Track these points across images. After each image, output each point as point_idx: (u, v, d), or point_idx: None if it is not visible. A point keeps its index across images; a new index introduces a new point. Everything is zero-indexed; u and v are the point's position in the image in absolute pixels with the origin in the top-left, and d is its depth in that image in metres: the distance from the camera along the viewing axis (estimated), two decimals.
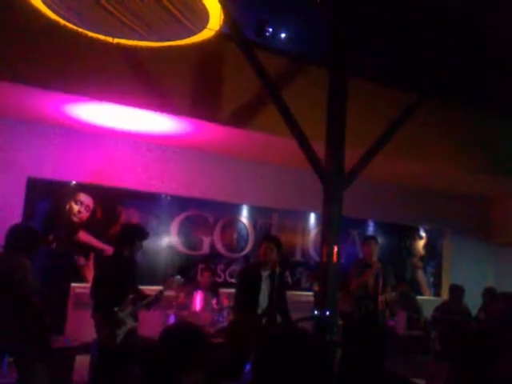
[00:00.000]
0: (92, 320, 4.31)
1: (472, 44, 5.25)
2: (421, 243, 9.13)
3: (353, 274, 5.67)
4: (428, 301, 8.28)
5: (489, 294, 6.79)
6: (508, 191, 8.52)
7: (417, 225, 9.02)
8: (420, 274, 9.05)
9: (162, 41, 3.24)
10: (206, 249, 7.24)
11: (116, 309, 4.20)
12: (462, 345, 2.43)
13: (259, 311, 4.89)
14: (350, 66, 5.12)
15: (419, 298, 7.98)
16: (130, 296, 4.34)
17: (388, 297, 5.66)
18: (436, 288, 9.20)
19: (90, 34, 3.12)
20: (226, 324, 5.75)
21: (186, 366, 2.04)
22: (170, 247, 7.00)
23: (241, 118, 5.77)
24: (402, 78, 5.96)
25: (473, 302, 7.04)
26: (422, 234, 9.15)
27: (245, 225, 7.55)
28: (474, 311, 6.95)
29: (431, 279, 9.20)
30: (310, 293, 6.96)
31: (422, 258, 9.10)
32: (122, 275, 4.33)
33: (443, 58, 5.30)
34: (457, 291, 6.82)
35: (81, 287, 6.20)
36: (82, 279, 6.35)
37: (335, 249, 4.86)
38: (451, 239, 9.20)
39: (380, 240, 8.20)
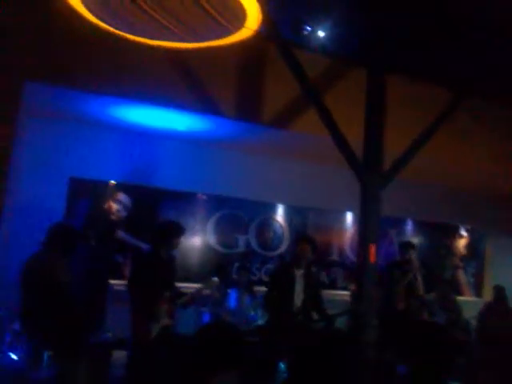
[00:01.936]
0: (130, 315, 4.38)
1: None
2: (462, 242, 8.88)
3: (392, 275, 5.61)
4: (468, 302, 8.05)
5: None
6: None
7: (457, 224, 8.77)
8: (460, 274, 8.81)
9: (200, 41, 3.26)
10: (241, 247, 7.27)
11: (152, 305, 4.25)
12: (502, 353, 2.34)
13: (294, 310, 4.89)
14: (388, 63, 5.03)
15: (459, 298, 7.76)
16: (167, 293, 4.38)
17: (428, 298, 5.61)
18: (477, 289, 8.93)
19: (132, 37, 3.17)
20: (260, 322, 5.76)
21: (221, 364, 2.04)
22: (206, 245, 7.05)
23: (280, 117, 5.77)
24: (443, 75, 5.80)
25: None
26: (463, 233, 8.89)
27: (280, 224, 7.53)
28: None
29: (472, 279, 8.93)
30: (347, 292, 6.90)
31: (462, 258, 8.85)
32: (158, 272, 4.35)
33: (485, 54, 5.12)
34: (501, 292, 6.59)
35: (119, 284, 6.33)
36: (121, 276, 6.48)
37: (373, 248, 4.79)
38: (495, 239, 8.90)
39: (419, 239, 8.09)
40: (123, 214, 6.56)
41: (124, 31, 3.11)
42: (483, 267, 8.99)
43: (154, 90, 5.15)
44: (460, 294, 8.46)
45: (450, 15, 4.62)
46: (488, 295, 7.80)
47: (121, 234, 6.56)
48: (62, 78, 4.84)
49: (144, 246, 6.45)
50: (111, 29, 3.09)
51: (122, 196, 6.55)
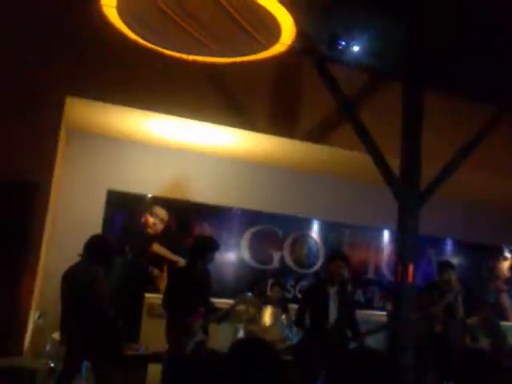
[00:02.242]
0: (165, 329, 4.39)
1: None
2: (506, 264, 8.51)
3: (431, 296, 5.42)
4: None
5: None
6: None
7: (501, 244, 8.43)
8: (505, 298, 8.42)
9: (234, 56, 3.29)
10: (276, 263, 7.21)
11: (187, 320, 4.25)
12: None
13: (328, 328, 4.79)
14: (425, 79, 4.93)
15: (503, 323, 7.41)
16: (202, 308, 4.38)
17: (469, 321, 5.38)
18: None
19: (166, 51, 3.23)
20: (295, 341, 5.66)
21: (254, 381, 2.00)
22: (241, 261, 7.03)
23: (316, 133, 5.75)
24: (481, 91, 5.64)
25: None
26: (507, 254, 8.53)
27: (315, 240, 7.44)
28: None
29: None
30: (383, 312, 6.70)
31: (507, 281, 8.48)
32: (193, 287, 4.37)
33: None
34: None
35: (154, 297, 6.37)
36: (156, 289, 6.52)
37: (410, 268, 4.65)
38: None
39: (459, 260, 7.81)
40: (159, 227, 6.63)
41: (159, 46, 3.17)
42: None
43: (191, 104, 5.23)
44: (504, 318, 8.08)
45: (488, 27, 4.51)
46: None
47: (156, 247, 6.62)
48: (101, 93, 4.97)
49: (179, 259, 6.49)
50: (147, 44, 3.15)
51: (158, 210, 6.63)
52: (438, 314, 5.51)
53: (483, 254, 8.33)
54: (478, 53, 4.92)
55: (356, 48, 4.75)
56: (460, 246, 8.12)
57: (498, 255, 8.48)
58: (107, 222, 6.32)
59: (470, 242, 8.11)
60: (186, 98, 5.21)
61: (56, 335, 4.66)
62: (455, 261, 7.52)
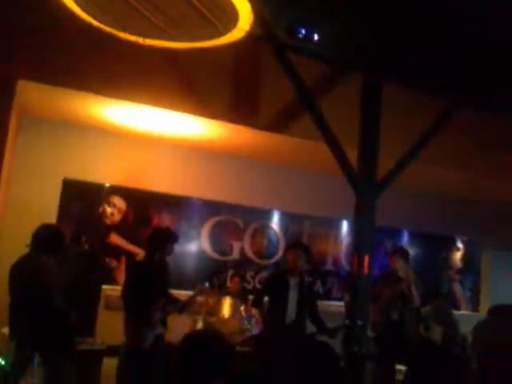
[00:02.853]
0: (124, 322, 4.31)
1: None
2: (458, 255, 8.81)
3: (381, 286, 5.48)
4: (465, 316, 7.96)
5: None
6: None
7: (454, 235, 8.71)
8: (457, 288, 8.72)
9: (192, 41, 3.22)
10: (236, 254, 7.19)
11: (147, 313, 4.19)
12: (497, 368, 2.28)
13: (288, 320, 4.80)
14: (385, 72, 4.99)
15: (456, 312, 7.67)
16: (162, 300, 4.33)
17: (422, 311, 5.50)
18: (473, 303, 8.84)
19: (122, 34, 3.12)
20: (254, 332, 5.67)
21: (206, 374, 1.98)
22: (201, 252, 6.98)
23: (276, 122, 5.72)
24: (440, 85, 5.76)
25: None
26: (460, 245, 8.82)
27: (275, 231, 7.46)
28: None
29: (468, 293, 8.84)
30: (341, 303, 6.80)
31: (459, 271, 8.78)
32: (152, 279, 4.32)
33: (482, 64, 5.09)
34: (498, 310, 6.48)
35: (111, 289, 6.24)
36: (113, 281, 6.39)
37: (366, 259, 4.72)
38: (491, 251, 8.83)
39: (415, 251, 8.00)
40: (117, 217, 6.49)
41: (115, 29, 3.06)
42: (480, 281, 8.91)
43: (149, 92, 5.10)
44: (457, 308, 8.37)
45: (447, 21, 4.59)
46: (484, 310, 7.70)
47: (114, 237, 6.48)
48: (56, 78, 4.79)
49: (137, 250, 6.38)
50: (102, 26, 3.04)
51: (116, 199, 6.49)
52: (393, 303, 5.60)
53: (437, 245, 8.59)
54: (436, 47, 5.00)
55: (316, 37, 4.72)
56: (415, 237, 8.33)
57: (451, 246, 8.76)
58: (63, 211, 6.13)
59: (425, 233, 8.34)
60: (144, 85, 5.08)
61: (5, 330, 4.49)
62: (411, 251, 7.70)
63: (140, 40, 3.12)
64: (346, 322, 5.05)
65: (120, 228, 6.51)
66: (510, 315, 6.20)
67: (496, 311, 6.47)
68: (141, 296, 4.21)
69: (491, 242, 8.77)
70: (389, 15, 4.39)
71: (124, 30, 3.05)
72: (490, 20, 4.17)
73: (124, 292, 4.40)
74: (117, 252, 6.47)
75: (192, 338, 2.13)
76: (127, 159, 6.44)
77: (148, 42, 3.13)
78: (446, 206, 8.09)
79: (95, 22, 2.97)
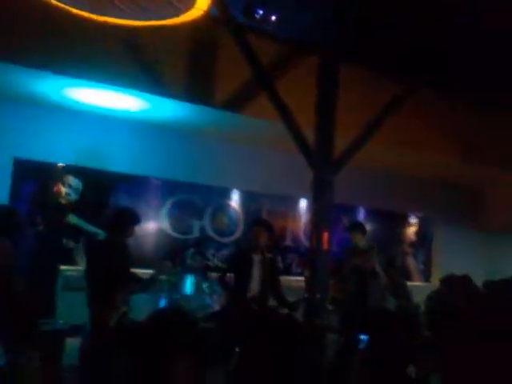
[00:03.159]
0: (87, 303, 4.30)
1: (468, 34, 5.18)
2: (411, 230, 9.17)
3: (346, 260, 5.64)
4: (418, 287, 8.33)
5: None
6: (498, 180, 8.55)
7: (407, 212, 9.04)
8: (410, 261, 9.11)
9: (149, 19, 3.15)
10: (196, 233, 7.21)
11: (110, 293, 4.18)
12: (448, 335, 2.43)
13: (251, 295, 4.90)
14: (341, 52, 5.06)
15: (409, 283, 8.02)
16: (123, 280, 4.33)
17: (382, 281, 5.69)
18: (426, 274, 9.26)
19: (76, 10, 3.02)
20: (216, 308, 5.75)
21: (172, 350, 2.01)
22: (160, 231, 6.96)
23: (234, 102, 5.71)
24: (396, 66, 5.89)
25: None
26: (413, 220, 9.18)
27: (235, 209, 7.51)
28: None
29: (421, 266, 9.25)
30: (301, 278, 6.97)
31: (412, 245, 9.15)
32: (116, 259, 4.32)
33: (436, 48, 5.25)
34: (448, 280, 6.82)
35: (70, 270, 6.15)
36: (72, 262, 6.30)
37: (325, 235, 4.85)
38: (442, 226, 9.24)
39: (371, 226, 8.26)
40: (73, 197, 6.35)
41: (69, 5, 2.96)
42: (431, 253, 9.33)
43: (104, 69, 4.99)
44: (410, 279, 8.74)
45: (404, 7, 4.69)
46: (436, 280, 8.08)
47: (71, 218, 6.35)
48: (5, 53, 4.58)
49: (96, 230, 6.29)
50: (59, 3, 2.93)
51: (71, 179, 6.34)
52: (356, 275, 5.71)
53: (391, 221, 8.90)
54: (392, 30, 5.11)
55: (273, 18, 4.73)
56: (371, 214, 8.59)
57: (404, 221, 9.10)
58: (15, 192, 5.94)
59: (380, 210, 8.61)
60: (99, 62, 4.96)
61: None
62: (367, 227, 7.95)
63: (94, 17, 3.02)
64: (306, 295, 5.20)
65: (77, 208, 6.39)
66: (460, 285, 6.55)
67: (447, 281, 6.83)
68: (104, 276, 4.20)
69: (442, 218, 9.18)
70: None
71: (78, 6, 2.94)
72: (448, 5, 4.29)
73: (87, 272, 4.37)
74: (75, 232, 6.36)
75: (157, 314, 2.15)
76: (83, 138, 6.27)
77: (102, 18, 3.04)
78: (400, 184, 8.36)
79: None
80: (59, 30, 4.59)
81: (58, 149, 6.13)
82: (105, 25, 3.31)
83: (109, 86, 5.15)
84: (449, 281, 6.01)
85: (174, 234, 7.05)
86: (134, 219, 4.50)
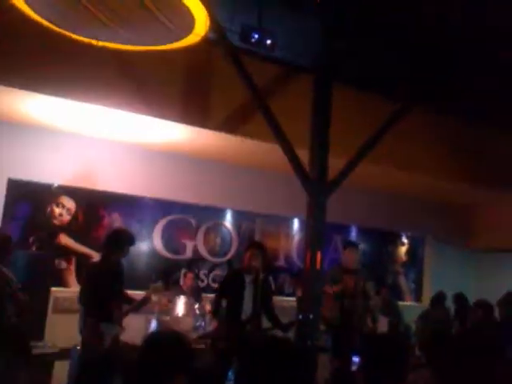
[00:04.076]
0: (81, 324, 4.28)
1: (456, 55, 5.32)
2: (403, 249, 9.22)
3: (328, 280, 5.60)
4: (409, 307, 8.36)
5: (457, 300, 6.89)
6: (487, 200, 8.67)
7: (399, 231, 9.11)
8: (401, 280, 9.14)
9: (147, 45, 3.22)
10: (189, 253, 7.20)
11: (107, 314, 4.19)
12: (440, 353, 2.47)
13: (243, 317, 4.89)
14: (335, 74, 5.16)
15: (400, 303, 8.05)
16: (119, 301, 4.35)
17: (372, 302, 5.69)
18: (417, 294, 9.29)
19: (75, 36, 3.08)
20: (208, 329, 5.72)
21: (167, 372, 2.02)
22: (153, 251, 6.94)
23: (228, 124, 5.77)
24: (388, 88, 6.03)
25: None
26: (404, 240, 9.24)
27: (228, 229, 7.53)
28: None
29: (412, 285, 9.28)
30: (293, 298, 6.97)
31: (403, 264, 9.19)
32: (110, 280, 4.33)
33: (428, 68, 5.38)
34: (439, 298, 6.87)
35: (61, 292, 6.11)
36: (63, 283, 6.26)
37: (319, 255, 4.88)
38: (433, 246, 9.31)
39: (362, 246, 8.31)
40: (66, 218, 6.35)
41: (68, 30, 3.02)
42: (422, 273, 9.37)
43: (99, 91, 5.03)
44: (401, 299, 8.77)
45: (399, 28, 4.82)
46: (427, 300, 8.13)
47: (64, 238, 6.34)
48: (2, 75, 4.63)
49: (88, 251, 6.27)
50: (56, 28, 2.99)
51: (65, 199, 6.34)
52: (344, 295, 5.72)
53: (383, 240, 8.96)
54: (386, 52, 5.24)
55: (269, 41, 4.85)
56: (363, 233, 8.65)
57: (396, 241, 9.15)
58: (8, 212, 5.93)
59: (372, 229, 8.68)
60: (94, 84, 5.00)
61: None
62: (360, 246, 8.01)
63: (93, 41, 3.09)
64: (300, 316, 5.20)
65: (69, 229, 6.38)
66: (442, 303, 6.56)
67: (436, 300, 6.87)
68: (100, 297, 4.20)
69: (433, 238, 9.26)
70: (340, 20, 4.56)
71: (76, 31, 3.00)
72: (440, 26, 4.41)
73: (82, 294, 4.37)
74: (66, 253, 6.33)
75: (153, 337, 2.17)
76: (76, 159, 6.30)
77: (101, 43, 3.10)
78: (392, 204, 8.44)
79: (46, 23, 2.91)
80: (52, 51, 4.63)
81: (51, 169, 6.15)
82: (98, 46, 3.37)
83: (102, 107, 5.19)
84: (437, 300, 6.01)
85: (167, 254, 7.04)
86: (130, 240, 4.55)
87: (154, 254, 6.94)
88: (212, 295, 5.77)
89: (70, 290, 6.14)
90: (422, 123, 6.93)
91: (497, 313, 5.43)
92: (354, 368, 4.26)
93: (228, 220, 7.54)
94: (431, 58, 5.24)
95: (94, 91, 5.01)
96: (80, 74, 4.89)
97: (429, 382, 2.59)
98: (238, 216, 7.55)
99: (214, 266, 7.34)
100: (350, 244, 6.09)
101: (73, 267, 6.33)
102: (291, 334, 5.07)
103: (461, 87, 6.01)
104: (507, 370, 2.33)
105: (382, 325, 6.63)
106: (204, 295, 6.43)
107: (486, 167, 7.58)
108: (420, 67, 5.31)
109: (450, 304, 7.06)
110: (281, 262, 7.89)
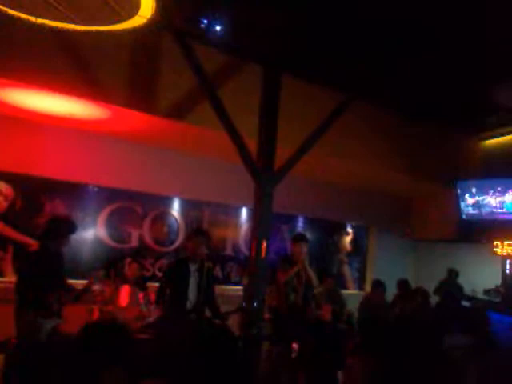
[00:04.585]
0: (16, 316, 4.11)
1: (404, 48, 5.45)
2: (347, 239, 9.48)
3: (280, 269, 5.71)
4: (352, 295, 8.60)
5: (401, 286, 7.18)
6: (426, 192, 9.05)
7: (344, 221, 9.34)
8: (346, 269, 9.39)
9: (91, 25, 3.09)
10: (134, 242, 7.07)
11: (44, 304, 4.04)
12: (378, 338, 2.56)
13: (188, 305, 4.86)
14: (284, 63, 5.18)
15: (344, 292, 8.27)
16: (58, 291, 4.21)
17: (315, 291, 5.82)
18: (360, 282, 9.59)
19: (11, 11, 2.91)
20: (152, 319, 5.65)
21: (105, 362, 1.98)
22: (97, 240, 6.77)
23: (176, 110, 5.67)
24: (335, 79, 6.11)
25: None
26: (349, 230, 9.49)
27: (176, 218, 7.45)
28: None
29: (356, 274, 9.57)
30: (240, 287, 7.01)
31: (348, 254, 9.45)
32: (49, 270, 4.18)
33: (373, 61, 5.48)
34: (377, 286, 7.11)
35: None
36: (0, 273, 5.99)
37: (264, 244, 4.92)
38: (375, 236, 9.63)
39: (309, 235, 8.44)
40: (3, 204, 6.06)
41: (5, 5, 2.85)
42: (366, 262, 9.68)
43: (40, 72, 4.80)
44: (345, 287, 9.02)
45: (347, 21, 4.87)
46: (369, 288, 8.40)
47: (0, 226, 6.05)
48: None
49: (27, 240, 6.02)
50: None
51: (2, 186, 6.04)
52: (292, 285, 5.84)
53: (329, 230, 9.16)
54: (333, 44, 5.28)
55: (218, 27, 4.78)
56: (310, 223, 8.81)
57: (341, 231, 9.39)
58: None
59: (318, 219, 8.85)
60: (36, 67, 4.77)
61: None
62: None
63: (32, 19, 2.92)
64: (244, 304, 5.24)
65: (6, 216, 6.10)
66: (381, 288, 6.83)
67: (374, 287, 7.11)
68: (37, 287, 4.06)
69: (376, 228, 9.57)
70: (290, 8, 4.55)
71: (15, 8, 2.83)
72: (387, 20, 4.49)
73: (19, 284, 4.21)
74: (3, 242, 6.06)
75: (90, 327, 2.12)
76: (14, 143, 6.00)
77: (41, 21, 2.94)
78: (337, 195, 8.64)
79: None
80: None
81: None
82: (44, 28, 3.19)
83: (43, 89, 4.96)
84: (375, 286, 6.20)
85: (111, 243, 6.88)
86: (70, 228, 4.41)
87: (98, 242, 6.77)
88: (157, 284, 5.70)
89: (5, 280, 5.88)
90: (367, 115, 7.11)
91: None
92: (293, 354, 4.36)
93: (175, 209, 7.45)
94: (376, 52, 5.35)
95: (36, 74, 4.77)
96: (20, 56, 4.65)
97: (364, 366, 2.67)
98: (186, 204, 7.48)
99: (160, 255, 7.25)
100: (299, 238, 6.18)
101: (10, 256, 6.06)
102: (234, 322, 5.10)
103: (404, 82, 6.18)
104: (441, 359, 2.44)
105: (326, 312, 6.79)
106: (149, 284, 6.34)
107: (425, 162, 7.90)
108: (365, 60, 5.40)
109: (390, 290, 7.33)
110: (228, 251, 7.91)
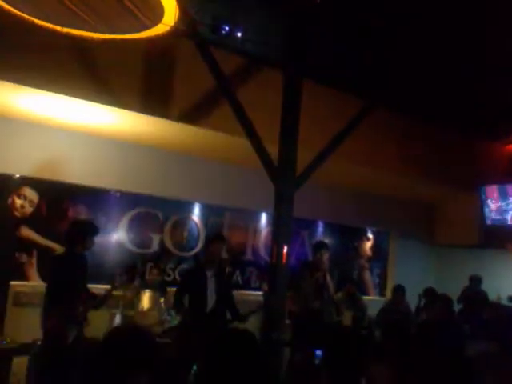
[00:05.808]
0: (43, 319, 4.18)
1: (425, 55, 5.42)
2: (368, 245, 9.39)
3: (302, 275, 5.74)
4: (373, 301, 8.51)
5: (429, 294, 7.06)
6: (449, 197, 8.92)
7: (364, 227, 9.26)
8: (366, 275, 9.30)
9: (114, 33, 3.15)
10: (155, 247, 7.13)
11: (70, 308, 4.11)
12: (399, 345, 2.53)
13: (207, 310, 4.89)
14: (305, 69, 5.18)
15: (365, 298, 8.19)
16: (83, 295, 4.28)
17: (335, 297, 5.83)
18: (381, 288, 9.48)
19: (37, 21, 2.98)
20: (173, 323, 5.69)
21: (131, 367, 1.99)
22: (119, 245, 6.84)
23: (195, 115, 5.70)
24: (357, 84, 6.09)
25: (416, 301, 7.29)
26: (370, 235, 9.40)
27: (196, 223, 7.49)
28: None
29: (377, 280, 9.47)
30: (260, 292, 7.00)
31: (368, 259, 9.36)
32: (75, 273, 4.25)
33: (395, 67, 5.46)
34: (399, 291, 7.02)
35: (21, 285, 5.95)
36: (23, 277, 6.09)
37: (285, 249, 4.90)
38: (397, 241, 9.52)
39: (329, 241, 8.43)
40: (28, 210, 6.17)
41: (31, 15, 2.92)
42: (386, 268, 9.57)
43: (61, 81, 4.87)
44: (366, 293, 8.93)
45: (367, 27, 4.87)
46: (390, 294, 8.30)
47: (25, 231, 6.16)
48: None
49: (51, 244, 6.12)
50: (19, 12, 2.89)
51: (27, 191, 6.16)
52: (310, 292, 5.87)
53: (349, 236, 9.09)
54: (355, 51, 5.28)
55: (239, 34, 4.82)
56: (330, 228, 8.76)
57: (361, 236, 9.31)
58: None
59: (339, 225, 8.79)
60: (56, 73, 4.84)
61: None
62: (326, 241, 8.09)
63: (58, 28, 2.99)
64: (257, 307, 5.28)
65: (32, 221, 6.21)
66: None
67: (395, 293, 7.03)
68: (64, 291, 4.11)
69: (397, 233, 9.46)
70: (310, 14, 4.56)
71: (41, 17, 2.90)
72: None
73: (48, 288, 4.29)
74: (28, 246, 6.16)
75: (115, 332, 2.13)
76: (40, 149, 6.10)
77: (66, 30, 3.01)
78: (358, 200, 8.57)
79: (9, 7, 2.80)
80: (10, 38, 4.48)
81: (14, 160, 5.94)
82: (58, 34, 3.24)
83: (65, 97, 5.04)
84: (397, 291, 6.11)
85: (133, 248, 6.95)
86: (92, 230, 4.48)
87: (119, 247, 6.84)
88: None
89: (30, 284, 5.99)
90: (389, 122, 7.05)
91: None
92: (316, 361, 4.34)
93: (196, 214, 7.49)
94: (398, 57, 5.33)
95: (54, 80, 4.84)
96: (39, 62, 4.69)
97: (385, 376, 2.64)
98: (206, 210, 7.51)
99: (180, 260, 7.29)
100: (320, 246, 6.24)
101: (34, 260, 6.17)
102: (254, 327, 5.09)
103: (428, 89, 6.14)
104: (462, 369, 2.40)
105: (347, 319, 6.74)
106: (170, 289, 6.37)
107: (448, 167, 7.80)
108: (387, 68, 5.39)
109: (411, 297, 7.23)
110: (248, 256, 7.91)
